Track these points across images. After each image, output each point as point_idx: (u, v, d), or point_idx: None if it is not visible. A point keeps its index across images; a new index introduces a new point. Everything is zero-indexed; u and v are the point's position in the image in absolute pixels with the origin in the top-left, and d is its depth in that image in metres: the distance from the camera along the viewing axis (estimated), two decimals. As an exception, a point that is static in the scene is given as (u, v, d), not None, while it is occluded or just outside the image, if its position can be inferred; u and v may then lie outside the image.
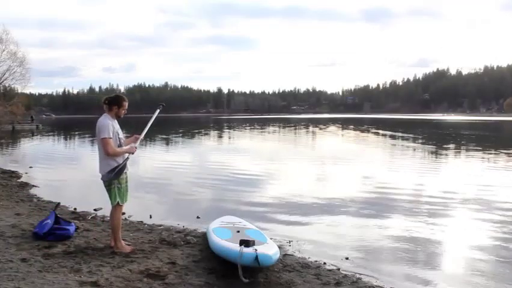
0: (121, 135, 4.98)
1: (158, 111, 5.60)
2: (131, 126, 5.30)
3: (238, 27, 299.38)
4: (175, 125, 58.22)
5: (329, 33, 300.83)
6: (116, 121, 4.97)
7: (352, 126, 49.99)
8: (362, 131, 39.89)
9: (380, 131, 38.38)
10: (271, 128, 48.06)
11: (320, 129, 45.61)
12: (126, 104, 4.99)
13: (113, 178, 4.78)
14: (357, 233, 6.37)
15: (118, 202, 4.87)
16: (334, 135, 36.09)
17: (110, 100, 4.95)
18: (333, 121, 70.29)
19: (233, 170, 13.20)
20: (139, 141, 5.15)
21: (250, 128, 47.87)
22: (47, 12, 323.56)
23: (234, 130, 44.71)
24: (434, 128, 45.19)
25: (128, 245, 5.09)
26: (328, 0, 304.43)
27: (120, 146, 4.91)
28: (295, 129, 46.24)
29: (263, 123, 61.22)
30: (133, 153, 4.98)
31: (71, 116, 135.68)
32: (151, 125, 5.30)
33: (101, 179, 4.88)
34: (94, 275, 4.13)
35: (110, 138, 4.74)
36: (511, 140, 32.01)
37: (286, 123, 61.23)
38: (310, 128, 47.21)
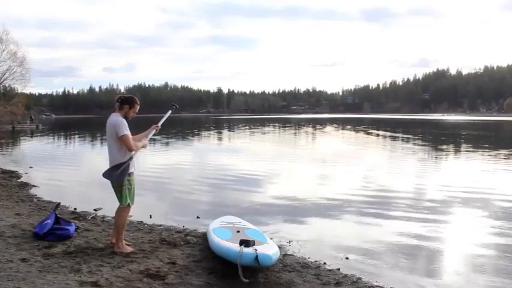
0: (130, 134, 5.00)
1: (170, 112, 5.62)
2: (130, 127, 5.30)
3: (238, 27, 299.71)
4: (173, 124, 58.19)
5: (329, 33, 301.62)
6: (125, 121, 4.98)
7: (349, 127, 49.97)
8: (361, 132, 39.87)
9: (380, 132, 38.38)
10: (269, 129, 48.06)
11: (317, 129, 45.60)
12: (137, 107, 5.00)
13: (120, 179, 4.76)
14: (357, 233, 6.37)
15: (128, 203, 4.87)
16: (332, 136, 36.09)
17: (123, 99, 4.96)
18: (333, 121, 70.30)
19: (233, 170, 13.20)
20: (149, 136, 5.17)
21: (247, 128, 47.86)
22: (47, 12, 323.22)
23: (229, 131, 44.69)
24: (434, 128, 45.20)
25: (128, 245, 5.10)
26: (328, 0, 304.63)
27: None
28: (295, 129, 46.23)
29: (262, 123, 61.22)
30: (144, 147, 5.04)
31: (71, 116, 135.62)
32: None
33: (110, 179, 4.86)
34: (94, 275, 4.13)
35: (129, 135, 4.77)
36: (511, 140, 32.01)
37: (285, 124, 61.22)
38: (307, 129, 47.20)
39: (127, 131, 4.75)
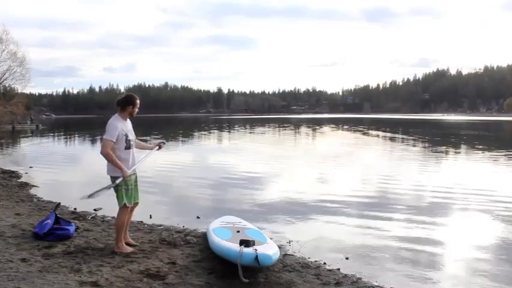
0: (132, 136, 4.95)
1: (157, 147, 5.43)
2: (134, 128, 5.41)
3: (238, 27, 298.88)
4: (173, 125, 58.20)
5: (329, 33, 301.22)
6: (128, 121, 4.97)
7: (346, 127, 49.93)
8: (360, 132, 39.85)
9: (379, 132, 38.37)
10: (269, 129, 48.05)
11: (315, 130, 45.59)
12: (138, 102, 5.01)
13: (88, 197, 4.75)
14: (357, 233, 6.37)
15: (124, 204, 4.86)
16: (331, 137, 36.09)
17: (123, 101, 4.94)
18: (332, 121, 70.29)
19: (233, 170, 13.21)
20: (136, 165, 5.03)
21: (247, 129, 47.87)
22: (47, 12, 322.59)
23: (229, 131, 44.69)
24: (434, 128, 45.19)
25: (136, 245, 5.11)
26: (328, 0, 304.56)
27: (129, 148, 4.87)
28: (293, 130, 46.21)
29: (262, 124, 61.21)
30: (124, 177, 4.75)
31: (71, 116, 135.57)
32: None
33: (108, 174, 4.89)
34: (94, 275, 4.13)
35: (112, 141, 4.71)
36: (511, 140, 32.01)
37: (285, 124, 61.21)
38: (305, 129, 47.18)
39: (109, 137, 4.69)
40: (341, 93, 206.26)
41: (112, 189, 4.86)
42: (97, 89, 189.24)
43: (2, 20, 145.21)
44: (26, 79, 47.52)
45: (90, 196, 4.71)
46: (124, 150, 4.83)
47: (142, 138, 5.67)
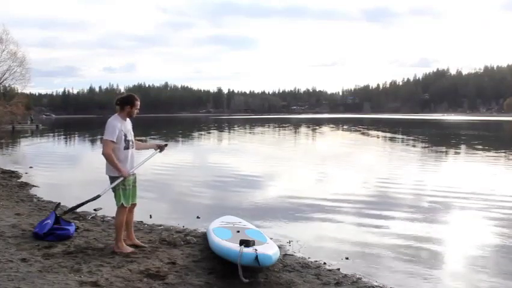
0: (130, 137, 4.93)
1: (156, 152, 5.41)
2: (133, 128, 5.42)
3: (238, 27, 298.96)
4: (172, 125, 58.14)
5: (329, 33, 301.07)
6: (128, 121, 4.96)
7: (346, 127, 49.93)
8: (359, 132, 39.84)
9: (379, 133, 38.36)
10: (268, 129, 48.04)
11: (314, 130, 45.58)
12: (138, 103, 4.98)
13: (65, 213, 4.84)
14: (357, 233, 6.37)
15: (122, 204, 4.86)
16: (330, 137, 36.09)
17: (122, 100, 4.93)
18: (332, 121, 70.28)
19: (232, 171, 13.20)
20: (135, 169, 5.01)
21: (246, 129, 47.86)
22: (47, 12, 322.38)
23: (229, 131, 44.68)
24: (434, 128, 45.18)
25: (144, 246, 5.11)
26: (328, 0, 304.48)
27: (127, 148, 4.87)
28: (293, 130, 46.21)
29: (262, 124, 61.20)
30: (124, 178, 4.77)
31: (71, 116, 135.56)
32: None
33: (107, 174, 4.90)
34: (94, 275, 4.13)
35: (112, 141, 4.71)
36: (511, 139, 32.02)
37: (284, 124, 61.19)
38: (304, 129, 47.19)
39: (109, 137, 4.70)
40: (341, 93, 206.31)
41: (110, 189, 4.87)
42: (97, 89, 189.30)
43: (2, 20, 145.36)
44: (26, 79, 47.54)
45: (71, 210, 4.78)
46: (123, 151, 4.83)
47: (140, 138, 5.67)
